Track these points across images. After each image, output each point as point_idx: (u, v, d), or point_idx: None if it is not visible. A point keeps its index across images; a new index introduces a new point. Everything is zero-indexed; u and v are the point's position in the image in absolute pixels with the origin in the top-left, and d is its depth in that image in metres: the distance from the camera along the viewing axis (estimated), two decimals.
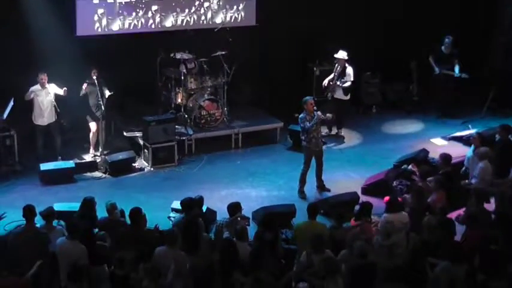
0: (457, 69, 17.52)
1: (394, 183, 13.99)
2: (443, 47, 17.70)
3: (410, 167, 13.91)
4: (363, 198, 13.39)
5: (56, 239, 10.45)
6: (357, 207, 11.93)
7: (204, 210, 12.22)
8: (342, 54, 16.94)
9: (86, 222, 11.03)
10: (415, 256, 10.52)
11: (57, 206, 12.18)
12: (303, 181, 14.15)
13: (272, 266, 10.17)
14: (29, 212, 10.76)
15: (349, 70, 16.94)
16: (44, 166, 14.76)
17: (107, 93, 15.39)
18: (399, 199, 12.48)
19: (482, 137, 14.24)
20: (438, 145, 16.47)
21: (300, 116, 14.50)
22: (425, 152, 15.26)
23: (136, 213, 10.97)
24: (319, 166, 14.29)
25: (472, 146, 13.95)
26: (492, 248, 10.31)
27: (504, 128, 14.13)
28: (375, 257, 10.29)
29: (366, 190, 14.31)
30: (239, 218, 11.53)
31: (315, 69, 18.05)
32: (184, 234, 10.63)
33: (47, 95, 14.88)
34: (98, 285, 9.87)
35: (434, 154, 14.75)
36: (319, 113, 14.27)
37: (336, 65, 17.05)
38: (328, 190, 14.27)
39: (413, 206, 11.82)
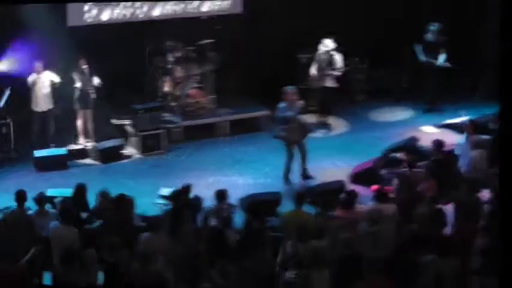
0: (441, 58, 17.35)
1: (383, 172, 13.95)
2: (428, 35, 17.51)
3: (399, 155, 13.79)
4: (351, 187, 13.33)
5: (48, 223, 10.75)
6: (342, 196, 11.83)
7: (191, 198, 12.53)
8: (329, 43, 16.87)
9: (77, 208, 11.39)
10: (404, 248, 10.43)
11: (50, 192, 12.49)
12: (287, 169, 14.30)
13: (259, 254, 10.24)
14: (19, 197, 11.09)
15: (338, 57, 16.99)
16: (38, 153, 15.14)
17: (96, 81, 15.73)
18: (388, 188, 12.36)
19: (475, 124, 14.16)
20: (429, 133, 16.23)
21: (280, 105, 14.70)
22: (414, 139, 15.16)
23: (120, 200, 11.21)
24: (303, 155, 14.37)
25: (465, 134, 13.87)
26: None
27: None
28: (360, 246, 10.35)
29: (354, 179, 14.29)
30: (225, 206, 11.65)
31: (300, 57, 18.11)
32: (171, 224, 10.87)
33: (42, 82, 15.24)
34: (88, 268, 10.06)
35: (425, 142, 14.65)
36: (302, 102, 14.57)
37: (321, 52, 17.15)
38: (311, 177, 14.33)
39: (402, 195, 11.81)
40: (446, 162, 13.02)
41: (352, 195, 11.62)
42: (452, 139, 14.69)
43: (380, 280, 9.66)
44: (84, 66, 15.47)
